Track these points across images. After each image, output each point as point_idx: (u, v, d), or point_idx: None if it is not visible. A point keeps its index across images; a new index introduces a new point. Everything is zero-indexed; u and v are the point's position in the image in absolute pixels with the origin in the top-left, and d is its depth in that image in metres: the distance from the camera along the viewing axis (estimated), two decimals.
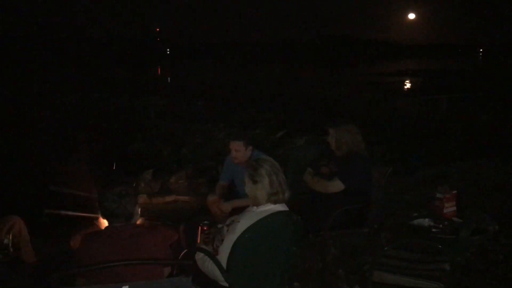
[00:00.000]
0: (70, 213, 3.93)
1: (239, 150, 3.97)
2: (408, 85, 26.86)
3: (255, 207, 2.76)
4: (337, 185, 3.81)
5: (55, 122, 11.58)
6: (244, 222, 2.62)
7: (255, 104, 13.93)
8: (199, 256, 2.69)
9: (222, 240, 2.70)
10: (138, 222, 3.42)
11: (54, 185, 4.25)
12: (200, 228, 2.91)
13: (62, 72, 32.42)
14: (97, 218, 3.12)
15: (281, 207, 2.75)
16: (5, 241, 2.59)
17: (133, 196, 2.53)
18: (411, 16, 59.14)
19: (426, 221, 3.64)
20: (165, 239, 2.46)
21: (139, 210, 2.61)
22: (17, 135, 9.35)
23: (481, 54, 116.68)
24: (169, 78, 32.87)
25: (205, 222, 2.96)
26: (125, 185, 2.66)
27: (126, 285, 1.89)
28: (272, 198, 2.73)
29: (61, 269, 2.23)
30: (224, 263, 2.55)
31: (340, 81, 25.59)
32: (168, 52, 79.80)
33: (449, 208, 3.71)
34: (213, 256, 2.58)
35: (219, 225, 3.02)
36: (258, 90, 20.61)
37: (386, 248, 3.27)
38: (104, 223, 2.60)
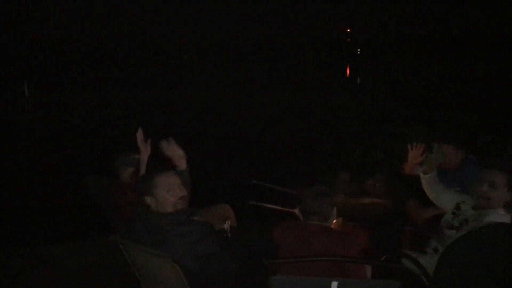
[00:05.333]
0: (271, 206, 4.20)
1: (449, 154, 3.73)
2: None
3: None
4: None
5: (252, 121, 12.61)
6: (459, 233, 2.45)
7: (455, 104, 12.83)
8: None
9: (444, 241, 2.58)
10: (335, 222, 3.47)
11: (257, 179, 4.57)
12: (402, 233, 2.85)
13: (256, 72, 34.94)
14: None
15: (502, 218, 2.50)
16: (225, 225, 2.89)
17: (331, 197, 2.57)
18: None
19: None
20: (352, 245, 2.43)
21: (335, 210, 2.63)
22: (223, 136, 10.47)
23: None
24: (358, 79, 32.60)
25: (408, 227, 2.89)
26: (325, 185, 2.73)
27: (335, 281, 1.93)
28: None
29: (271, 257, 2.41)
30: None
31: None
32: (358, 52, 79.22)
33: None
34: (418, 262, 2.47)
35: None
36: (460, 89, 18.93)
37: None
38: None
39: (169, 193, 2.65)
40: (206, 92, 21.23)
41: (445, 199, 2.94)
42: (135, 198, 3.46)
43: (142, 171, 3.58)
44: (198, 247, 2.50)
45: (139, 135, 3.61)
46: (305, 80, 27.33)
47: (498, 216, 2.55)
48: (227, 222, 2.89)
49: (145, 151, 3.61)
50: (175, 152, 3.09)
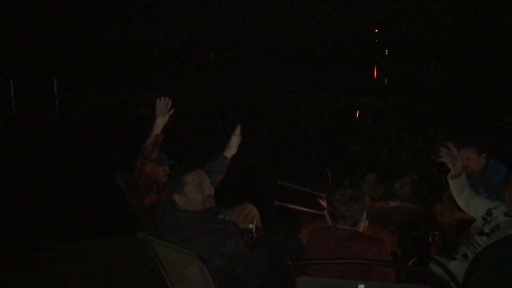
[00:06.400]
0: (296, 207, 4.18)
1: (471, 158, 3.57)
2: None
3: None
4: None
5: (279, 121, 12.58)
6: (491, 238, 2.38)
7: (486, 107, 12.49)
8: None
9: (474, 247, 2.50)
10: (363, 225, 3.43)
11: (283, 180, 4.56)
12: (431, 238, 2.79)
13: (282, 72, 34.86)
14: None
15: None
16: (250, 225, 2.87)
17: (362, 201, 2.52)
18: None
19: None
20: (381, 250, 2.38)
21: (365, 214, 2.59)
22: (249, 136, 10.48)
23: None
24: (386, 80, 32.18)
25: (436, 232, 2.83)
26: (355, 189, 2.68)
27: (362, 283, 1.91)
28: None
29: (297, 259, 2.40)
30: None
31: None
32: (386, 53, 78.14)
33: None
34: (447, 268, 2.42)
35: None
36: (491, 91, 18.44)
37: None
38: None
39: (198, 191, 2.68)
40: (232, 92, 21.29)
41: (475, 205, 2.83)
42: (146, 168, 3.45)
43: (157, 130, 3.48)
44: (224, 245, 2.51)
45: (161, 101, 3.48)
46: (332, 81, 27.12)
47: None
48: (252, 222, 2.88)
49: (162, 118, 3.47)
50: (236, 141, 3.56)
